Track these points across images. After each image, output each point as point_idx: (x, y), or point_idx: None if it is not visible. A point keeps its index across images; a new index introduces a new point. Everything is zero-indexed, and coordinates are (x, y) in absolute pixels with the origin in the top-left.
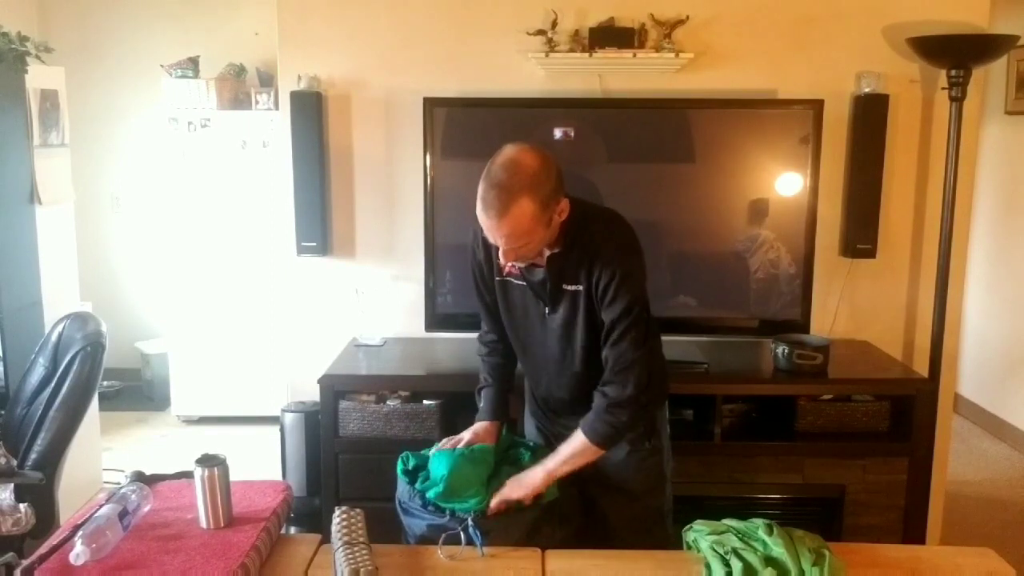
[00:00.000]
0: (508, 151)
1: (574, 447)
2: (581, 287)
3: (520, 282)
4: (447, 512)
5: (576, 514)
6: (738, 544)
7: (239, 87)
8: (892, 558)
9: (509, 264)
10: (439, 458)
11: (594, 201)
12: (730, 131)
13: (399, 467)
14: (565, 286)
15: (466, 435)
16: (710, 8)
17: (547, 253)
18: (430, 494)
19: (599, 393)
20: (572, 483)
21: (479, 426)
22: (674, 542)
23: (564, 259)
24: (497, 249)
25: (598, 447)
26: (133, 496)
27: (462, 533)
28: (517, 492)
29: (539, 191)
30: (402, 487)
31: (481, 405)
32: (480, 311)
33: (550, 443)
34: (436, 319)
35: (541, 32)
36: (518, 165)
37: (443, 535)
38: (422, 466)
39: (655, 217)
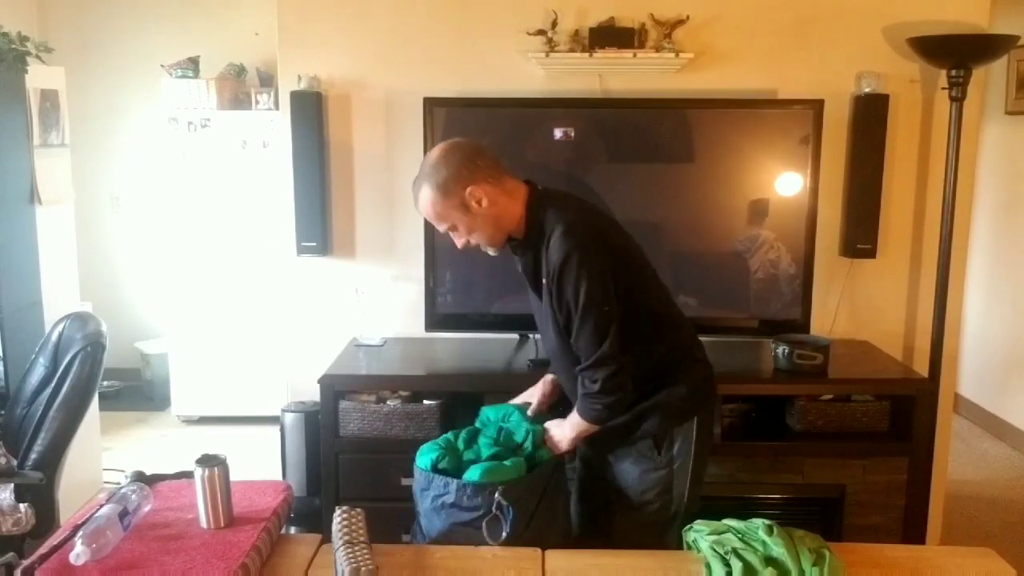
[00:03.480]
0: None
1: (579, 420)
2: (545, 279)
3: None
4: (470, 487)
5: (565, 484)
6: (738, 544)
7: (239, 87)
8: (892, 558)
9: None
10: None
11: (595, 202)
12: (730, 131)
13: (426, 459)
14: (542, 278)
15: (537, 392)
16: (710, 8)
17: (516, 240)
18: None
19: (578, 377)
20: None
21: (549, 378)
22: (675, 544)
23: (528, 249)
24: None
25: (592, 423)
26: (133, 496)
27: (496, 512)
28: (555, 435)
29: (434, 178)
30: (420, 476)
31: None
32: None
33: None
34: (436, 319)
35: (541, 32)
36: (425, 159)
37: (485, 520)
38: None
39: (655, 217)
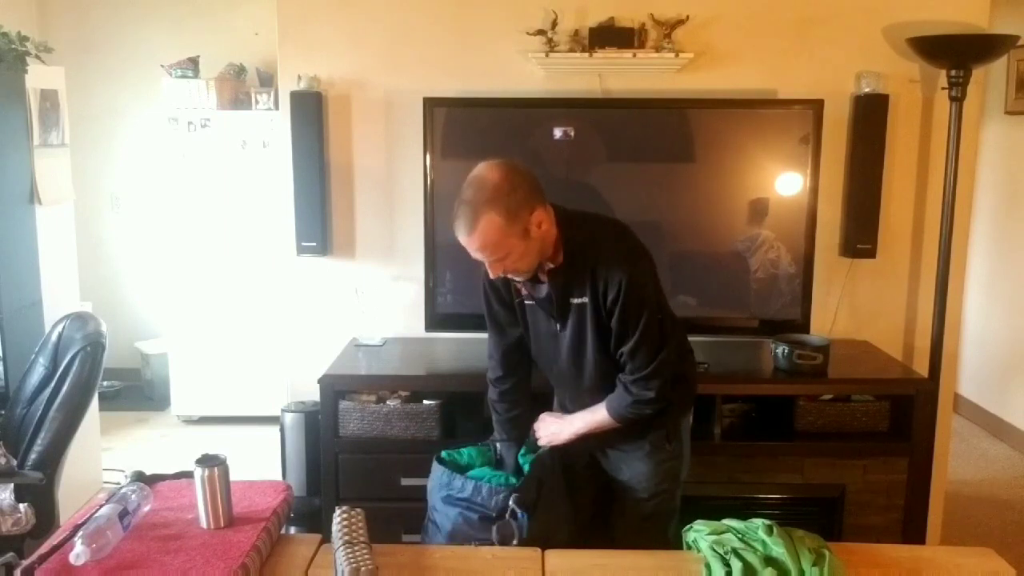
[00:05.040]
0: (476, 168)
1: (601, 418)
2: (587, 299)
3: (531, 301)
4: (486, 486)
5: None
6: (738, 544)
7: (239, 87)
8: (892, 558)
9: (519, 284)
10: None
11: (596, 201)
12: (730, 131)
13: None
14: (572, 300)
15: None
16: (710, 8)
17: (548, 267)
18: (472, 473)
19: (623, 385)
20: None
21: None
22: (675, 544)
23: (567, 272)
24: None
25: (617, 423)
26: (133, 496)
27: (510, 520)
28: (555, 426)
29: (502, 204)
30: (438, 476)
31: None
32: (489, 341)
33: None
34: (436, 319)
35: (541, 32)
36: (482, 181)
37: (496, 525)
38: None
39: (655, 217)
